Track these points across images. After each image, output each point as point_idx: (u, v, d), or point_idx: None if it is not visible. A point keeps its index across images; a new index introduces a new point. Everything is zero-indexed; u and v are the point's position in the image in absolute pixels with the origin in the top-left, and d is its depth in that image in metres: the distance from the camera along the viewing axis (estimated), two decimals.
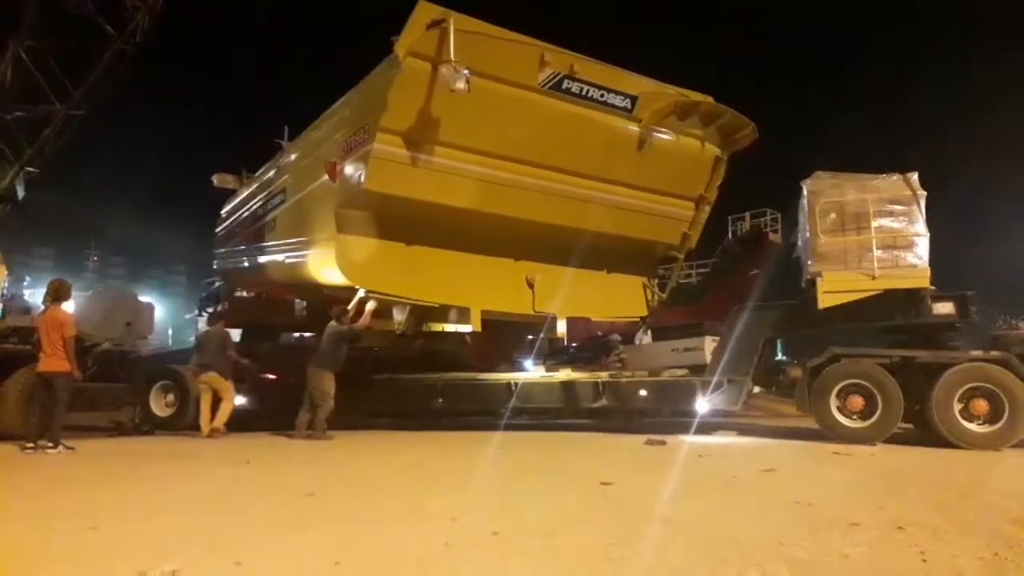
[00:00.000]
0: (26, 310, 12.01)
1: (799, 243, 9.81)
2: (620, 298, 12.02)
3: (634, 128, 10.42)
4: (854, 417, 8.51)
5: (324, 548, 3.63)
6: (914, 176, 8.85)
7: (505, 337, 12.58)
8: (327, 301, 10.61)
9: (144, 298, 16.23)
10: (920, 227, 8.73)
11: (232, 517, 4.51)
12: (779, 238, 21.26)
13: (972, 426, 8.02)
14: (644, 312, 12.29)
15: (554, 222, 10.53)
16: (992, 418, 7.97)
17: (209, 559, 3.43)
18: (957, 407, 8.04)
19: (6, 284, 12.77)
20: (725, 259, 23.09)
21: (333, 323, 10.03)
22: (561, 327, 11.33)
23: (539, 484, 5.85)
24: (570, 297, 11.18)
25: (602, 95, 9.96)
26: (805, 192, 9.21)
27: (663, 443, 8.41)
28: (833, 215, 8.98)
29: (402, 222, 9.82)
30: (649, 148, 10.58)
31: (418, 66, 8.55)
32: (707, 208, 11.88)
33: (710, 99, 10.98)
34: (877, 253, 8.71)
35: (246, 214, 13.61)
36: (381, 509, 4.79)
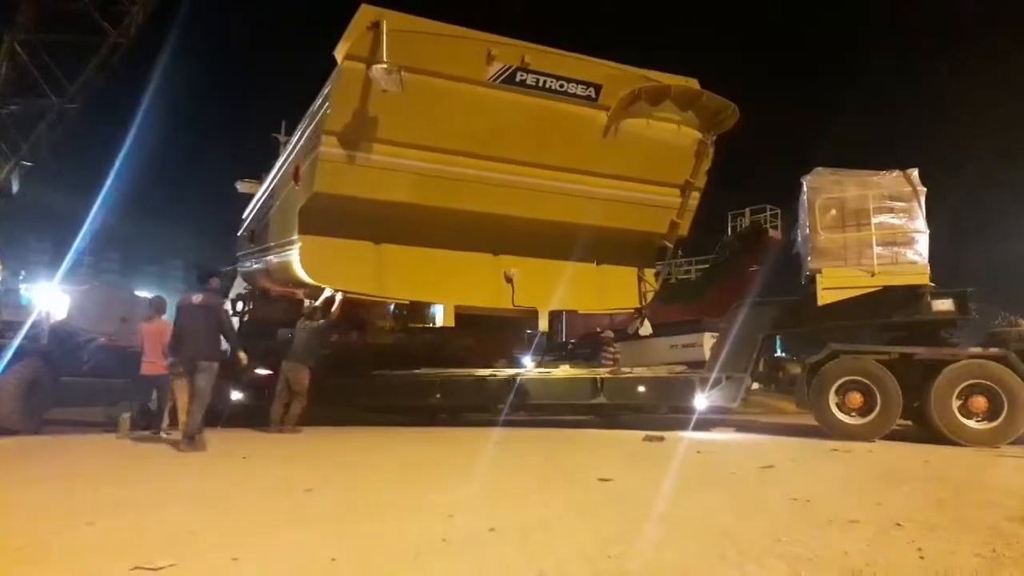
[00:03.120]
0: (22, 305, 11.96)
1: (799, 239, 9.80)
2: (611, 290, 11.79)
3: (602, 117, 10.13)
4: (853, 414, 8.51)
5: (321, 544, 3.62)
6: (914, 172, 8.84)
7: (504, 333, 12.56)
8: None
9: (141, 293, 16.19)
10: (920, 224, 8.72)
11: (229, 512, 4.50)
12: (779, 234, 21.26)
13: (971, 423, 8.02)
14: (637, 304, 12.06)
15: (529, 216, 10.42)
16: (991, 415, 7.98)
17: (206, 554, 3.42)
18: (956, 404, 8.04)
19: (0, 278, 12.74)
20: (724, 255, 23.10)
21: (304, 319, 10.19)
22: (543, 321, 11.07)
23: (537, 480, 5.84)
24: (554, 291, 11.06)
25: (561, 85, 9.72)
26: (805, 188, 9.20)
27: (662, 439, 8.41)
28: (833, 211, 8.96)
29: (367, 221, 9.83)
30: (621, 136, 10.28)
31: (357, 68, 8.55)
32: (695, 194, 11.47)
33: (694, 82, 10.67)
34: (877, 249, 8.70)
35: (255, 216, 13.66)
36: (378, 505, 4.78)
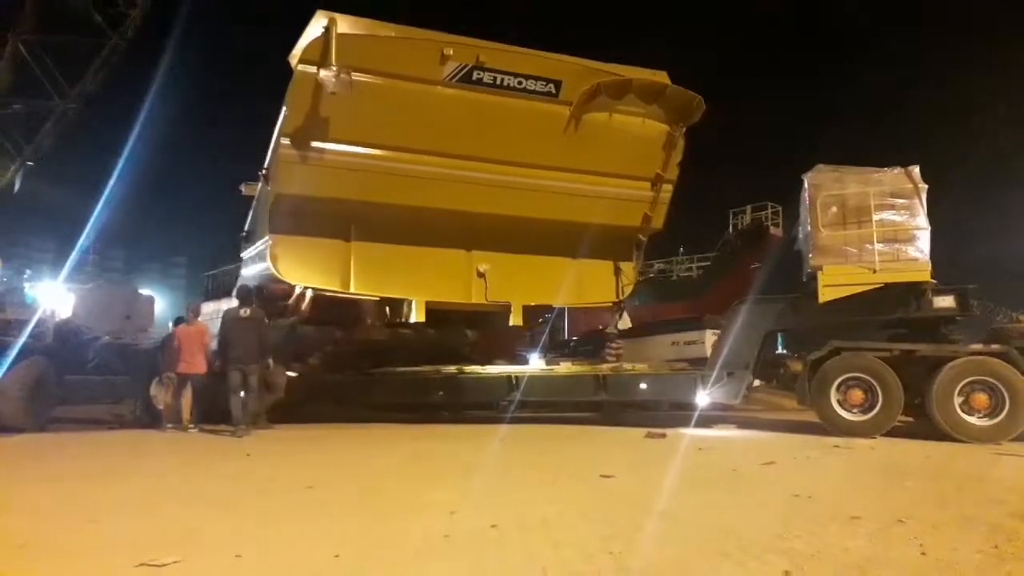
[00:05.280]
0: (26, 303, 11.98)
1: (800, 236, 9.78)
2: (588, 284, 11.73)
3: (565, 112, 10.19)
4: (854, 411, 8.50)
5: (324, 541, 3.64)
6: (915, 169, 8.81)
7: (506, 331, 12.54)
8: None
9: (144, 291, 16.23)
10: (921, 220, 8.70)
11: (232, 510, 4.52)
12: (780, 231, 21.26)
13: (972, 420, 8.00)
14: (614, 297, 12.02)
15: (499, 212, 10.50)
16: (992, 412, 7.96)
17: (209, 551, 3.44)
18: (957, 401, 8.03)
19: (3, 277, 12.78)
20: (726, 253, 23.11)
21: (278, 317, 10.39)
22: (517, 316, 10.99)
23: (539, 477, 5.85)
24: (528, 285, 11.09)
25: (519, 82, 9.83)
26: (807, 185, 9.18)
27: (663, 436, 8.41)
28: (834, 208, 8.94)
29: (336, 220, 10.03)
30: (585, 131, 10.34)
31: (310, 72, 8.69)
32: (668, 187, 11.39)
33: (662, 75, 10.66)
34: (878, 247, 8.68)
35: (251, 217, 13.78)
36: (381, 502, 4.80)
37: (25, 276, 14.48)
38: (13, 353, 9.41)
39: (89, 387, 10.88)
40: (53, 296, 13.23)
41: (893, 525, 3.87)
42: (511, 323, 11.04)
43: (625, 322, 12.29)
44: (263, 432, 9.27)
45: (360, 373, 11.34)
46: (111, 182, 17.36)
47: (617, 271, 11.92)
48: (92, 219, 17.94)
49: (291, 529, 3.93)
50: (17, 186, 15.54)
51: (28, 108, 15.22)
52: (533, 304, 11.25)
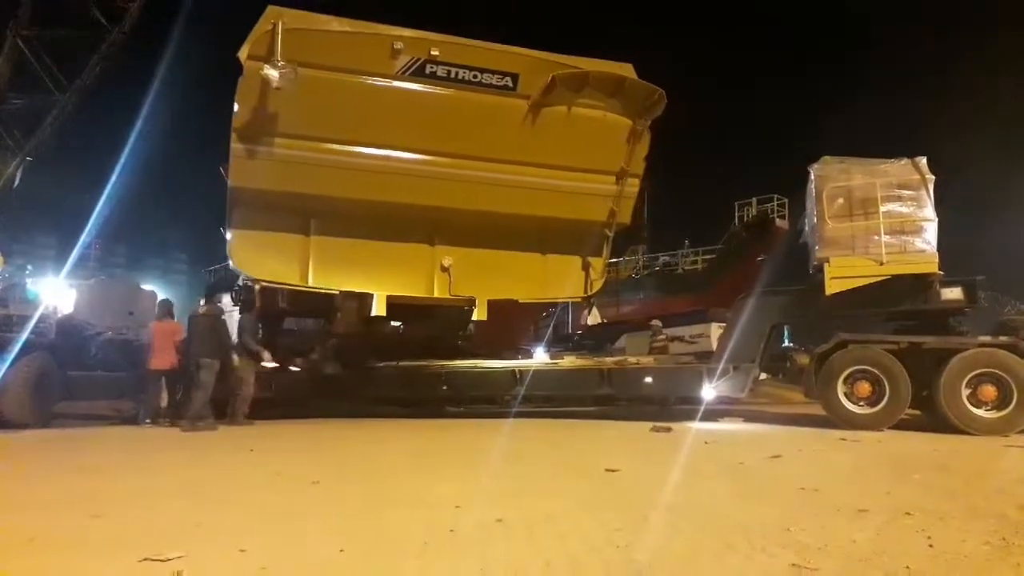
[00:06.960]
0: (28, 299, 11.99)
1: (806, 228, 9.73)
2: (556, 280, 11.72)
3: (523, 106, 10.15)
4: (861, 403, 8.48)
5: (329, 535, 3.62)
6: (923, 160, 8.77)
7: (511, 325, 12.54)
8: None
9: (146, 286, 16.25)
10: (928, 212, 8.65)
11: (237, 504, 4.51)
12: (786, 224, 21.19)
13: (980, 412, 7.97)
14: (582, 293, 12.01)
15: (460, 206, 10.49)
16: (1000, 404, 7.93)
17: (213, 546, 3.42)
18: (965, 393, 8.00)
19: (5, 273, 12.79)
20: (731, 245, 23.07)
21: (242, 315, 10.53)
22: (482, 310, 10.98)
23: (544, 471, 5.84)
24: (493, 280, 11.07)
25: (475, 76, 9.81)
26: (813, 177, 9.14)
27: (669, 430, 8.40)
28: (841, 200, 8.90)
29: (296, 214, 10.12)
30: (545, 124, 10.28)
31: (258, 68, 8.74)
32: (634, 182, 11.33)
33: (628, 67, 10.57)
34: (885, 238, 8.64)
35: None
36: (386, 496, 4.79)
37: (27, 272, 14.51)
38: (16, 349, 9.43)
39: (92, 382, 10.90)
40: (55, 292, 13.25)
41: (900, 517, 3.85)
42: (474, 317, 11.04)
43: (595, 317, 12.22)
44: (244, 428, 9.32)
45: (363, 368, 11.34)
46: (113, 177, 17.38)
47: (586, 266, 11.84)
48: (94, 215, 17.99)
49: (296, 523, 3.92)
50: (18, 181, 15.57)
51: (28, 103, 15.26)
52: (498, 299, 11.15)
